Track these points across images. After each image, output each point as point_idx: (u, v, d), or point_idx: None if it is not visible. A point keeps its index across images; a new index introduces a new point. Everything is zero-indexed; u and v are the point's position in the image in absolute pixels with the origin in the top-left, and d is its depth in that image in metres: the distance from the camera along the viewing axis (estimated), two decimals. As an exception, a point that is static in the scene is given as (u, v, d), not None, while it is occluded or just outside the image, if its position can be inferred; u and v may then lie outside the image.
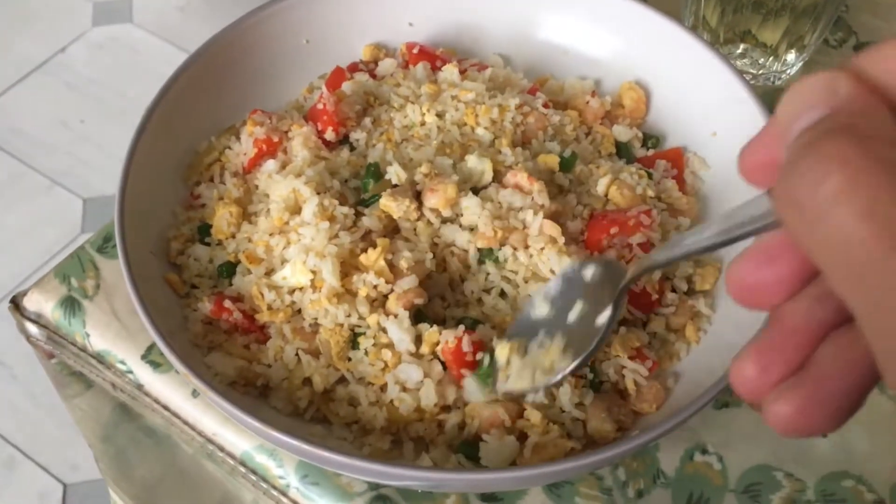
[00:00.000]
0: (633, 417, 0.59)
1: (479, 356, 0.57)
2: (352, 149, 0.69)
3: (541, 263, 0.61)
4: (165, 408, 0.64)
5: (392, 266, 0.59)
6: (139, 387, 0.65)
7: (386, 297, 0.59)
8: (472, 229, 0.61)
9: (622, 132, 0.72)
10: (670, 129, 0.73)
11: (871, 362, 0.24)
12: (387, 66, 0.75)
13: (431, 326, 0.58)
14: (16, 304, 0.69)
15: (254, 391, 0.60)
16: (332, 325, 0.58)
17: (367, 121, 0.70)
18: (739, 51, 0.80)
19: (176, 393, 0.64)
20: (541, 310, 0.55)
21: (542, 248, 0.60)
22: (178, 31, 2.19)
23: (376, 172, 0.64)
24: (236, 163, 0.69)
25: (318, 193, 0.62)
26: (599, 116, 0.73)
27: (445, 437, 0.57)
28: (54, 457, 1.58)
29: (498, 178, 0.64)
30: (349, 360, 0.59)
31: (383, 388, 0.58)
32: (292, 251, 0.61)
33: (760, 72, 0.80)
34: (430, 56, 0.75)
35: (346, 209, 0.62)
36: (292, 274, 0.60)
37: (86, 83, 2.12)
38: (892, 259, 0.20)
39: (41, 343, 0.69)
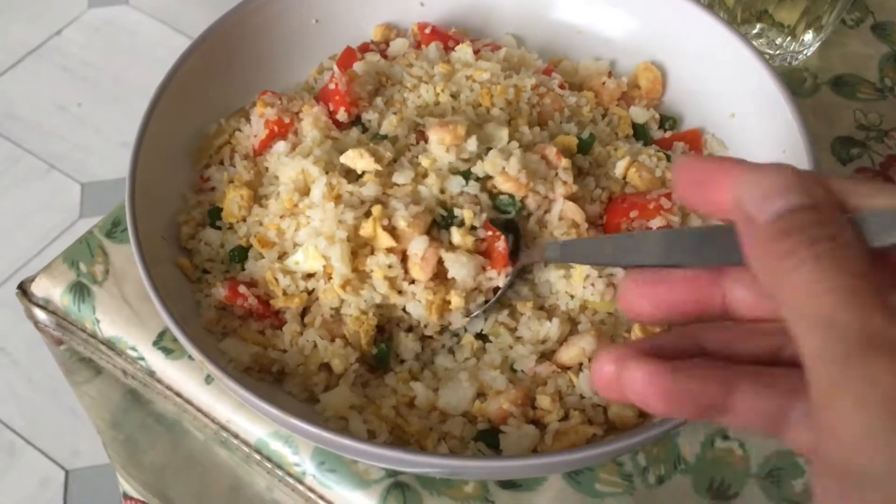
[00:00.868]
0: (654, 403, 0.58)
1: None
2: (364, 129, 0.67)
3: None
4: (178, 395, 0.63)
5: (393, 230, 0.58)
6: (151, 373, 0.64)
7: (405, 271, 0.58)
8: (487, 179, 0.61)
9: (639, 113, 0.70)
10: (687, 111, 0.72)
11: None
12: (398, 46, 0.74)
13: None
14: (23, 290, 0.67)
15: (269, 377, 0.59)
16: (357, 314, 0.57)
17: (380, 101, 0.68)
18: (756, 31, 0.79)
19: (189, 379, 0.63)
20: None
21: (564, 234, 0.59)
22: (175, 13, 2.16)
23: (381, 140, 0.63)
24: (246, 145, 0.68)
25: (327, 173, 0.61)
26: (616, 97, 0.72)
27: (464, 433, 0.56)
28: (55, 442, 1.57)
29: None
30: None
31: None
32: (303, 235, 0.60)
33: (777, 52, 0.79)
34: (443, 36, 0.74)
35: (352, 187, 0.60)
36: (305, 259, 0.59)
37: (82, 66, 2.10)
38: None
39: (50, 329, 0.68)
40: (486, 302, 0.60)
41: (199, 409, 0.63)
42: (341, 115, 0.67)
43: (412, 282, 0.59)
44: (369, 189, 0.60)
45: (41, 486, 1.53)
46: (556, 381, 0.57)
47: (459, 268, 0.58)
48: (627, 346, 0.32)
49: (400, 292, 0.59)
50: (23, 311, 0.68)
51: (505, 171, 0.60)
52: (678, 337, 0.34)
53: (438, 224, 0.60)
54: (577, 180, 0.63)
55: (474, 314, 0.59)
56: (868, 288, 0.26)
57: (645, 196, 0.62)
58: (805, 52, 0.79)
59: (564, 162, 0.61)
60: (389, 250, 0.58)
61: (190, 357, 0.62)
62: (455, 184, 0.61)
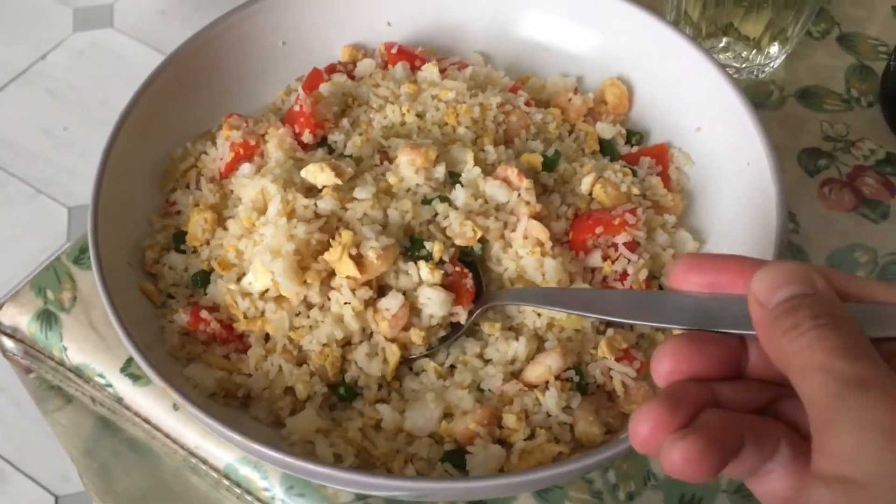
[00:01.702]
0: (621, 419, 0.58)
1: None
2: (330, 151, 0.67)
3: (529, 267, 0.60)
4: (146, 421, 0.63)
5: (360, 258, 0.57)
6: (119, 400, 0.64)
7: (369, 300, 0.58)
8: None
9: (605, 129, 0.70)
10: (654, 125, 0.72)
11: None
12: (365, 66, 0.74)
13: None
14: (-9, 318, 0.67)
15: (235, 402, 0.59)
16: (320, 348, 0.57)
17: (346, 122, 0.69)
18: (722, 44, 0.79)
19: (157, 406, 0.62)
20: None
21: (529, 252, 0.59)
22: (159, 34, 2.17)
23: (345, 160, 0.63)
24: (212, 168, 0.68)
25: (285, 190, 0.61)
26: (582, 114, 0.72)
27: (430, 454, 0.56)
28: (45, 468, 1.56)
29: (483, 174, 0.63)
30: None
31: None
32: (254, 253, 0.59)
33: (744, 65, 0.79)
34: (410, 55, 0.74)
35: (307, 201, 0.60)
36: (255, 277, 0.58)
37: (67, 90, 2.10)
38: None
39: (18, 358, 0.67)
40: (446, 337, 0.59)
41: (167, 436, 0.62)
42: (306, 137, 0.67)
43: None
44: (326, 203, 0.60)
45: (31, 512, 1.52)
46: (522, 399, 0.57)
47: (432, 305, 0.58)
48: (661, 407, 0.35)
49: (363, 329, 0.58)
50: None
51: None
52: (699, 387, 0.37)
53: (403, 254, 0.60)
54: (541, 198, 0.63)
55: (435, 348, 0.59)
56: (859, 345, 0.32)
57: (610, 212, 0.62)
58: (771, 65, 0.79)
59: (526, 182, 0.61)
60: (350, 277, 0.57)
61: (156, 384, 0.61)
62: (426, 211, 0.61)
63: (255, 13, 0.73)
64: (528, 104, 0.70)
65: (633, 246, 0.62)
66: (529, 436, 0.56)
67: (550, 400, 0.56)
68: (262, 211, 0.61)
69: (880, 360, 0.32)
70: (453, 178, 0.62)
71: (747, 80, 0.80)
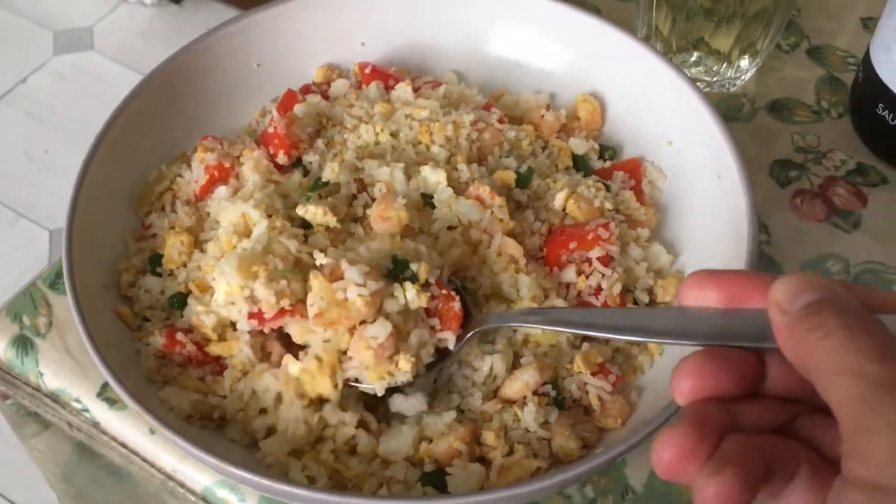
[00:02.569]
0: (598, 434, 0.58)
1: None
2: (305, 172, 0.68)
3: (504, 284, 0.60)
4: (123, 445, 0.63)
5: (343, 303, 0.56)
6: (96, 425, 0.63)
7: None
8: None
9: (578, 145, 0.71)
10: (627, 140, 0.73)
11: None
12: (339, 86, 0.74)
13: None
14: (-34, 344, 0.67)
15: (211, 424, 0.58)
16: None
17: (321, 142, 0.69)
18: (693, 59, 0.80)
19: (133, 430, 0.62)
20: None
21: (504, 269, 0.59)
22: (140, 56, 2.16)
23: (323, 188, 0.63)
24: (188, 191, 0.68)
25: (269, 216, 0.61)
26: (555, 130, 0.72)
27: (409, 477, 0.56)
28: (29, 494, 1.55)
29: (456, 194, 0.63)
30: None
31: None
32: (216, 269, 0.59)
33: (715, 79, 0.80)
34: (383, 75, 0.74)
35: (296, 230, 0.60)
36: (217, 291, 0.58)
37: (49, 113, 2.09)
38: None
39: (-7, 384, 0.67)
40: (433, 363, 0.57)
41: (144, 460, 0.62)
42: (281, 158, 0.67)
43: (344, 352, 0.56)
44: (317, 240, 0.60)
45: (15, 539, 1.51)
46: (501, 416, 0.57)
47: (414, 336, 0.56)
48: (686, 433, 0.34)
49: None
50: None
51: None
52: (720, 410, 0.36)
53: (387, 274, 0.57)
54: (515, 215, 0.64)
55: (421, 375, 0.57)
56: (890, 347, 0.31)
57: (584, 227, 0.63)
58: (742, 78, 0.80)
59: (498, 200, 0.61)
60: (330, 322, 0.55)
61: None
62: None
63: (230, 35, 0.73)
64: (501, 121, 0.70)
65: (606, 260, 0.62)
66: (508, 452, 0.56)
67: (529, 416, 0.56)
68: (243, 234, 0.61)
69: None
70: (426, 199, 0.63)
71: (719, 93, 0.81)
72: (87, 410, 0.63)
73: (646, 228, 0.67)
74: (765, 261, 0.70)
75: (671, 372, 0.37)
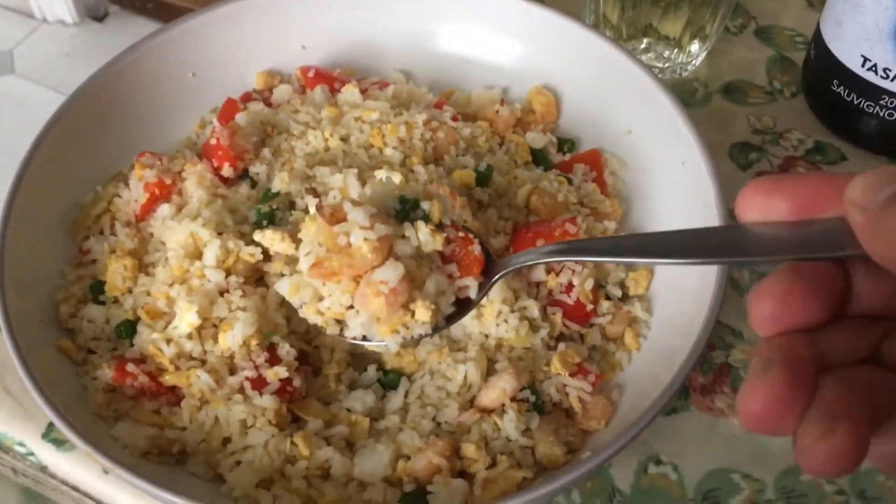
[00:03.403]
0: (581, 437, 0.56)
1: None
2: (253, 184, 0.64)
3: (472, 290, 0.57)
4: (75, 489, 0.58)
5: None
6: (43, 469, 0.59)
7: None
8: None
9: (536, 139, 0.69)
10: (584, 131, 0.71)
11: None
12: (282, 92, 0.71)
13: None
14: None
15: (170, 459, 0.54)
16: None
17: (267, 152, 0.65)
18: (643, 45, 0.78)
19: (86, 471, 0.58)
20: None
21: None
22: (65, 78, 2.07)
23: (274, 199, 0.60)
24: (127, 211, 0.63)
25: (220, 234, 0.58)
26: (511, 125, 0.70)
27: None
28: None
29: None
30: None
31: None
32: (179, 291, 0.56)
33: (667, 65, 0.79)
34: (328, 78, 0.71)
35: (252, 248, 0.57)
36: (180, 318, 0.55)
37: (-32, 142, 2.00)
38: None
39: (-74, 433, 0.62)
40: (454, 317, 0.51)
41: (99, 503, 0.58)
42: (226, 171, 0.64)
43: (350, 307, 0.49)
44: (274, 268, 0.57)
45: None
46: (480, 426, 0.54)
47: (430, 282, 0.49)
48: (778, 381, 0.31)
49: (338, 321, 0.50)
50: None
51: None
52: (807, 346, 0.32)
53: (394, 215, 0.50)
54: (478, 214, 0.61)
55: (441, 328, 0.51)
56: None
57: (550, 223, 0.60)
58: (693, 63, 0.79)
59: (459, 200, 0.58)
60: (331, 272, 0.48)
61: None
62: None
63: (161, 45, 0.69)
64: (454, 119, 0.68)
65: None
66: (491, 464, 0.53)
67: (509, 424, 0.53)
68: (193, 256, 0.57)
69: None
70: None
71: (671, 79, 0.79)
72: (31, 454, 0.59)
73: (612, 220, 0.64)
74: (733, 246, 0.68)
75: (749, 296, 0.33)
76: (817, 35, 0.72)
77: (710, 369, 0.62)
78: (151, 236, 0.62)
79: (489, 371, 0.57)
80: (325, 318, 0.50)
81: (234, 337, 0.53)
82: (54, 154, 0.62)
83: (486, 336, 0.57)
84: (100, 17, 0.89)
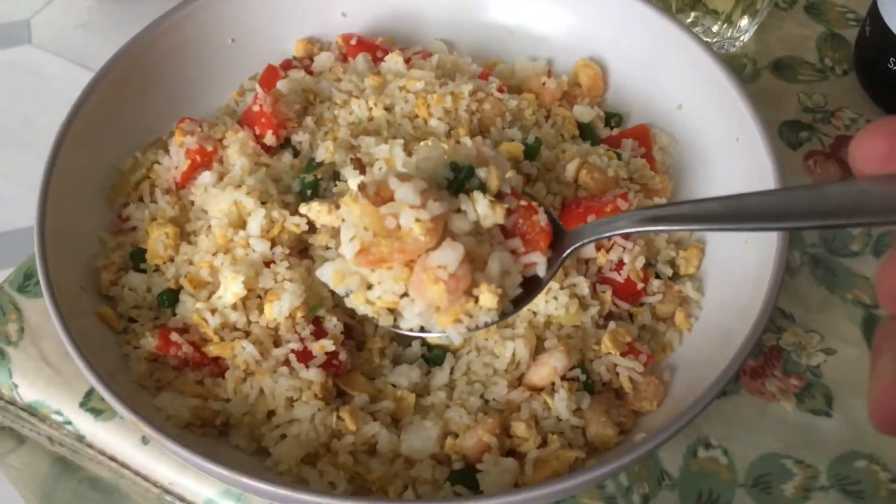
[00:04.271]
0: (633, 418, 0.54)
1: None
2: (295, 153, 0.63)
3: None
4: (113, 459, 0.57)
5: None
6: (80, 438, 0.58)
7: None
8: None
9: (583, 112, 0.67)
10: (633, 106, 0.69)
11: None
12: (323, 60, 0.69)
13: None
14: (-73, 358, 0.60)
15: (213, 431, 0.53)
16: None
17: (309, 120, 0.64)
18: (690, 19, 0.76)
19: (124, 441, 0.57)
20: None
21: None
22: (81, 49, 2.06)
23: (318, 169, 0.59)
24: (167, 178, 0.62)
25: (263, 203, 0.56)
26: (557, 98, 0.68)
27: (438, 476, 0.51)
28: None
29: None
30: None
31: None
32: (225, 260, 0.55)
33: (714, 40, 0.77)
34: (370, 46, 0.69)
35: (297, 219, 0.56)
36: (225, 288, 0.53)
37: (-17, 111, 1.99)
38: None
39: (-39, 400, 0.61)
40: (521, 300, 0.47)
41: (137, 473, 0.57)
42: (269, 139, 0.62)
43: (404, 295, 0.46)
44: (318, 240, 0.56)
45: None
46: (530, 405, 0.53)
47: (493, 261, 0.44)
48: None
49: (391, 310, 0.47)
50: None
51: None
52: None
53: (446, 187, 0.46)
54: (525, 188, 0.59)
55: (509, 314, 0.47)
56: None
57: (601, 199, 0.59)
58: (742, 38, 0.77)
59: (511, 173, 0.56)
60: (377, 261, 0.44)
61: (123, 417, 0.56)
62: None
63: (201, 9, 0.67)
64: (500, 90, 0.66)
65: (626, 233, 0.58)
66: (541, 443, 0.51)
67: (560, 403, 0.52)
68: (237, 225, 0.56)
69: None
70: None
71: (718, 54, 0.77)
72: (69, 423, 0.58)
73: (662, 197, 0.63)
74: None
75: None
76: (874, 11, 0.70)
77: (760, 352, 0.61)
78: (192, 204, 0.60)
79: (537, 349, 0.55)
80: (376, 308, 0.46)
81: (280, 308, 0.52)
82: (93, 120, 0.61)
83: (535, 313, 0.56)
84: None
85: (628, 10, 0.67)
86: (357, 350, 0.56)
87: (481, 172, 0.46)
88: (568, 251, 0.46)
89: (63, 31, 2.18)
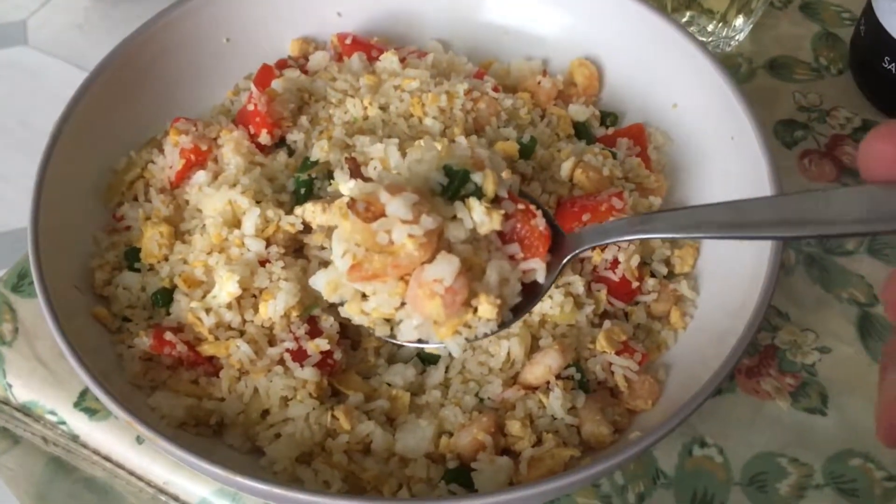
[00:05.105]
0: (628, 416, 0.54)
1: None
2: (290, 152, 0.62)
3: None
4: (107, 458, 0.57)
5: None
6: (74, 438, 0.58)
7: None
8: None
9: (579, 111, 0.67)
10: (628, 105, 0.69)
11: None
12: (318, 59, 0.69)
13: None
14: (-79, 358, 0.60)
15: (207, 431, 0.53)
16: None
17: (304, 119, 0.64)
18: (686, 19, 0.76)
19: (118, 441, 0.57)
20: None
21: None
22: (78, 49, 2.06)
23: (313, 168, 0.59)
24: (162, 178, 0.62)
25: (258, 203, 0.56)
26: (552, 97, 0.68)
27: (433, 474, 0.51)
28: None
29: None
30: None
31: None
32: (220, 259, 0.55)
33: (710, 39, 0.77)
34: (365, 46, 0.69)
35: (292, 218, 0.56)
36: (220, 287, 0.53)
37: (-20, 111, 1.99)
38: None
39: (-45, 400, 0.61)
40: (521, 307, 0.46)
41: (132, 473, 0.57)
42: (264, 138, 0.62)
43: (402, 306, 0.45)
44: (314, 240, 0.56)
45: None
46: (525, 403, 0.53)
47: (491, 269, 0.44)
48: None
49: (387, 320, 0.46)
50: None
51: None
52: None
53: (440, 193, 0.44)
54: (521, 187, 0.59)
55: (508, 322, 0.46)
56: None
57: (595, 198, 0.59)
58: (737, 38, 0.77)
59: (506, 173, 0.56)
60: (371, 276, 0.43)
61: (118, 417, 0.56)
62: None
63: (195, 9, 0.67)
64: (495, 90, 0.66)
65: (623, 231, 0.58)
66: (536, 442, 0.51)
67: (555, 402, 0.52)
68: (232, 224, 0.56)
69: None
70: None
71: (714, 53, 0.77)
72: (63, 423, 0.58)
73: (657, 196, 0.63)
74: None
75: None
76: (868, 11, 0.70)
77: (755, 351, 0.61)
78: (187, 203, 0.60)
79: (532, 348, 0.55)
80: (372, 319, 0.45)
81: (275, 307, 0.52)
82: (87, 120, 0.61)
83: (530, 312, 0.56)
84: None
85: (624, 10, 0.67)
86: (352, 349, 0.56)
87: (477, 177, 0.45)
88: (568, 257, 0.46)
89: (59, 31, 2.17)
